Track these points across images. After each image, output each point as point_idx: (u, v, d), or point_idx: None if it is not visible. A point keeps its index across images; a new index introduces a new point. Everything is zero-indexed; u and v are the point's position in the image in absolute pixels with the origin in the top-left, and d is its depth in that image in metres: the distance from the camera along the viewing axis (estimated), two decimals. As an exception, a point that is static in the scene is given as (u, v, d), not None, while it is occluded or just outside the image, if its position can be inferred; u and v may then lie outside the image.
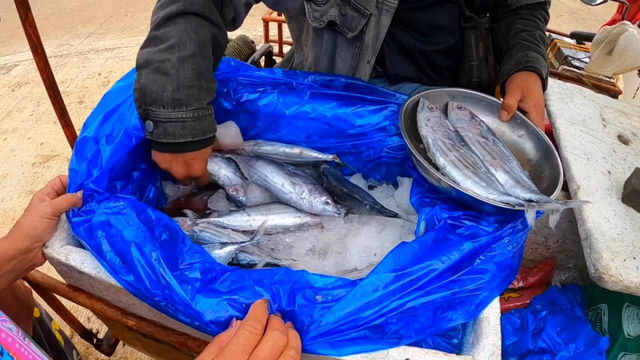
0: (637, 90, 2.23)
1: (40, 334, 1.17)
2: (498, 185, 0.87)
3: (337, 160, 1.13)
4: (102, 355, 1.91)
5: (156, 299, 0.71)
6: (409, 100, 1.01)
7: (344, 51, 1.21)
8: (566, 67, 2.38)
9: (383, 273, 0.71)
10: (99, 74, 4.16)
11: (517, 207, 0.80)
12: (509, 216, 0.84)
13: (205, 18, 0.96)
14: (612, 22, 2.54)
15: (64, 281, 0.94)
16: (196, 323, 0.70)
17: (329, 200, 1.00)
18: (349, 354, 0.67)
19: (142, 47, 0.96)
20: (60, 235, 0.86)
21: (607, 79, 2.26)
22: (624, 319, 1.17)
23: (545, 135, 1.03)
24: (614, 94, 2.14)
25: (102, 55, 4.51)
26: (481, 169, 0.90)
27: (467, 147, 0.96)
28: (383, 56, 1.29)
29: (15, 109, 3.72)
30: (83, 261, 0.82)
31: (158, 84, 0.87)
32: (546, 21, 1.37)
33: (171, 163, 0.94)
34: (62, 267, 0.85)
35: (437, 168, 0.90)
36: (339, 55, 1.22)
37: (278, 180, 1.04)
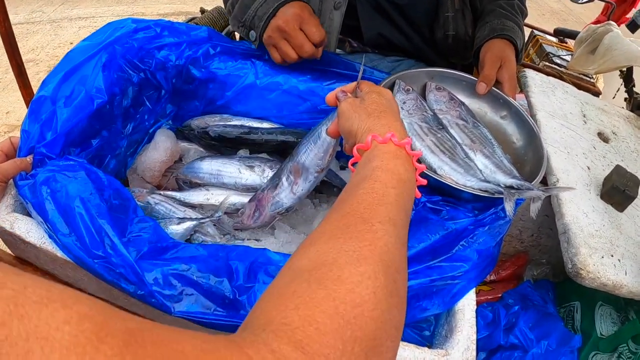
0: (617, 92, 2.23)
1: None
2: (477, 171, 0.83)
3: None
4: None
5: (96, 261, 0.65)
6: (385, 82, 0.97)
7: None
8: (547, 64, 2.38)
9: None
10: (71, 43, 4.02)
11: (496, 195, 0.77)
12: (489, 203, 0.80)
13: None
14: (597, 22, 2.54)
15: (11, 252, 0.87)
16: (139, 292, 0.64)
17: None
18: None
19: None
20: (7, 201, 0.79)
21: (588, 79, 2.26)
22: (597, 318, 1.15)
23: (530, 117, 1.00)
24: (594, 93, 2.14)
25: (76, 24, 4.38)
26: (460, 154, 0.86)
27: (446, 130, 0.92)
28: (361, 32, 1.25)
29: (-19, 77, 3.59)
30: (28, 230, 0.75)
31: (240, 3, 1.05)
32: None
33: (273, 23, 0.98)
34: (7, 237, 0.79)
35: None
36: (312, 2, 1.16)
37: (233, 169, 0.97)
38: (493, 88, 1.04)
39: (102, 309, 0.31)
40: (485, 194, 0.77)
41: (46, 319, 0.28)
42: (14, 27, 4.21)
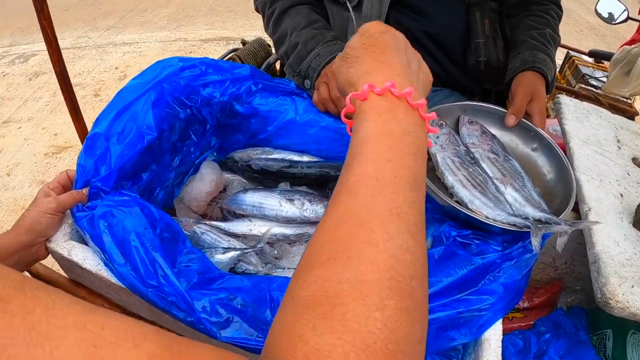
0: (654, 113, 2.20)
1: None
2: (506, 205, 0.86)
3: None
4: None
5: (150, 290, 0.71)
6: None
7: (350, 27, 1.25)
8: (583, 86, 2.36)
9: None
10: (116, 68, 4.19)
11: (524, 229, 0.79)
12: (518, 235, 0.83)
13: (300, 3, 1.26)
14: (632, 41, 2.51)
15: (67, 275, 0.94)
16: (189, 319, 0.69)
17: None
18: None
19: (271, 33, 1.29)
20: (64, 230, 0.86)
21: (624, 100, 2.24)
22: (629, 346, 1.13)
23: (560, 149, 1.02)
24: (631, 115, 2.11)
25: (120, 49, 4.55)
26: (490, 187, 0.89)
27: (477, 164, 0.95)
28: None
29: (31, 98, 3.77)
30: (85, 257, 0.82)
31: (295, 54, 1.17)
32: (559, 17, 1.35)
33: (329, 71, 1.08)
34: (65, 262, 0.85)
35: (445, 187, 0.90)
36: (349, 33, 1.24)
37: (274, 202, 1.02)
38: (524, 120, 1.07)
39: (169, 346, 0.33)
40: (514, 228, 0.80)
41: None
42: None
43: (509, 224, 0.80)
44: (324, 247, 0.44)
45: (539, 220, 0.82)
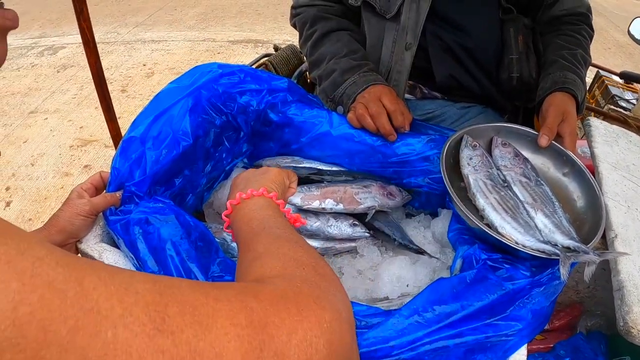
0: (683, 138, 2.17)
1: None
2: (536, 231, 0.86)
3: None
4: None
5: None
6: (453, 137, 1.01)
7: (387, 37, 1.27)
8: (612, 107, 2.34)
9: (422, 306, 0.71)
10: (144, 65, 4.26)
11: (552, 257, 0.80)
12: (546, 261, 0.83)
13: (341, 29, 1.31)
14: (664, 65, 2.48)
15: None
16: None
17: (356, 222, 1.01)
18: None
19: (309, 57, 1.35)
20: (95, 232, 0.88)
21: (655, 124, 2.21)
22: (646, 373, 1.12)
23: (591, 176, 1.02)
24: (660, 139, 2.09)
25: (148, 47, 4.62)
26: (522, 212, 0.89)
27: (509, 187, 0.95)
28: (432, 74, 1.31)
29: (58, 90, 3.85)
30: (116, 261, 0.83)
31: (330, 81, 1.21)
32: (590, 37, 1.35)
33: (361, 100, 1.12)
34: (94, 265, 0.87)
35: (476, 209, 0.90)
36: (385, 44, 1.28)
37: (301, 214, 1.04)
38: (556, 144, 1.06)
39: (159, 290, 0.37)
40: (543, 255, 0.80)
41: None
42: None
43: (538, 251, 0.81)
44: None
45: (568, 248, 0.82)
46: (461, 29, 1.27)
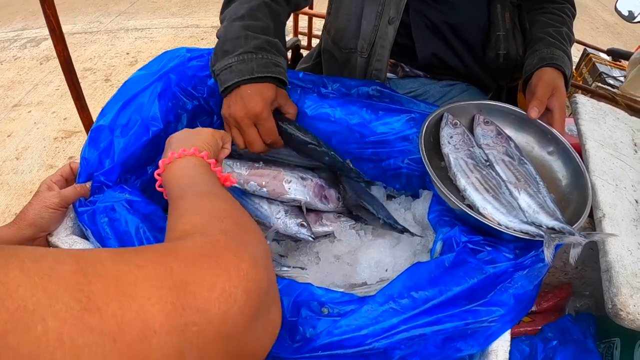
0: (672, 115, 2.15)
1: None
2: (519, 211, 0.83)
3: (351, 165, 1.09)
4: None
5: None
6: (433, 114, 0.98)
7: (368, 11, 1.22)
8: (600, 85, 2.32)
9: (397, 292, 0.69)
10: (127, 54, 4.20)
11: (537, 238, 0.77)
12: (530, 243, 0.80)
13: None
14: (653, 41, 2.46)
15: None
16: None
17: (304, 223, 0.97)
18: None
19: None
20: (66, 224, 0.86)
21: (642, 101, 2.19)
22: (636, 356, 1.11)
23: (577, 155, 0.99)
24: (649, 117, 2.07)
25: (132, 35, 4.55)
26: (504, 192, 0.86)
27: (491, 167, 0.92)
28: (414, 53, 1.27)
29: (41, 83, 3.78)
30: (86, 253, 0.81)
31: (215, 48, 1.01)
32: (573, 16, 1.34)
33: (230, 107, 0.96)
34: (66, 258, 0.84)
35: (457, 189, 0.87)
36: (365, 17, 1.23)
37: (257, 198, 1.02)
38: (542, 122, 1.04)
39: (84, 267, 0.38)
40: (526, 236, 0.77)
41: None
42: (72, 37, 4.41)
43: (522, 232, 0.78)
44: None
45: (553, 229, 0.80)
46: (446, 5, 1.24)
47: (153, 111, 0.94)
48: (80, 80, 3.81)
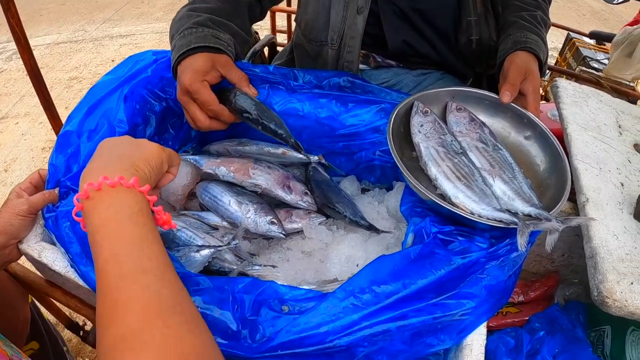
0: (657, 95, 2.15)
1: (36, 317, 1.19)
2: (493, 199, 0.81)
3: (323, 161, 1.08)
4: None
5: None
6: (403, 103, 0.96)
7: (336, 2, 1.20)
8: (584, 68, 2.32)
9: (358, 287, 0.67)
10: (112, 61, 4.22)
11: (511, 226, 0.75)
12: (507, 231, 0.78)
13: None
14: (634, 22, 2.45)
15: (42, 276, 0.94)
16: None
17: (275, 220, 0.97)
18: (313, 382, 0.63)
19: None
20: (36, 231, 0.86)
21: (627, 83, 2.18)
22: (628, 344, 1.10)
23: (555, 138, 0.97)
24: (634, 98, 2.06)
25: (117, 42, 4.59)
26: (477, 180, 0.84)
27: (464, 154, 0.90)
28: (385, 42, 1.26)
29: (28, 94, 3.80)
30: (55, 259, 0.81)
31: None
32: (549, 1, 1.31)
33: (182, 102, 0.96)
34: (37, 264, 0.86)
35: (429, 179, 0.85)
36: (333, 8, 1.21)
37: (226, 199, 1.01)
38: (517, 106, 1.02)
39: None
40: (500, 224, 0.75)
41: None
42: (57, 46, 4.42)
43: (495, 220, 0.75)
44: (101, 320, 0.54)
45: (529, 216, 0.78)
46: None
47: (119, 114, 0.93)
48: (66, 90, 3.82)
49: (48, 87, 3.89)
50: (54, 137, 3.19)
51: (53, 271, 0.81)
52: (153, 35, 4.70)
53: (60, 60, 4.17)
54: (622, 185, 1.13)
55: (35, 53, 4.68)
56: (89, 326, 1.35)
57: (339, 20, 1.21)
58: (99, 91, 0.96)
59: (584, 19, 5.38)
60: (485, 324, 0.70)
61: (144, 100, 0.99)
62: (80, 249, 0.75)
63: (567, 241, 1.26)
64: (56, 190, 0.86)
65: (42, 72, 4.14)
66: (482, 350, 0.68)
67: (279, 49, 1.84)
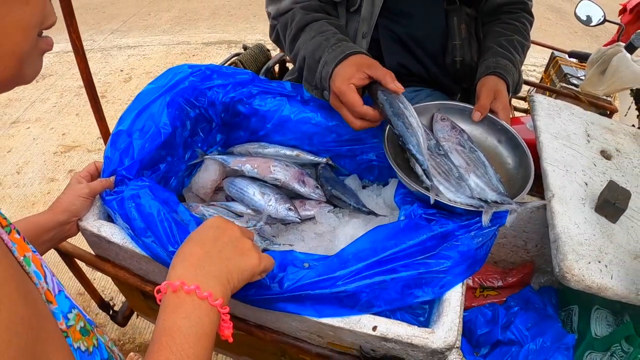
0: (628, 109, 2.32)
1: None
2: (466, 189, 1.00)
3: (330, 162, 1.29)
4: (112, 333, 2.06)
5: (170, 255, 0.87)
6: None
7: (350, 28, 1.37)
8: (565, 85, 2.48)
9: (361, 245, 0.85)
10: (121, 71, 4.31)
11: (479, 209, 0.94)
12: (478, 214, 0.96)
13: (316, 20, 1.25)
14: (611, 42, 2.63)
15: (93, 252, 1.09)
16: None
17: (292, 207, 1.17)
18: (327, 315, 0.81)
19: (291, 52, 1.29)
20: (94, 211, 1.01)
21: (604, 97, 2.34)
22: (593, 320, 1.25)
23: (522, 140, 1.14)
24: (611, 112, 2.20)
25: (125, 52, 4.67)
26: (454, 175, 1.02)
27: (445, 155, 1.08)
28: (383, 63, 1.42)
29: (38, 100, 3.88)
30: (113, 233, 0.97)
31: (307, 68, 1.17)
32: (530, 23, 1.48)
33: (335, 106, 1.08)
34: (94, 238, 1.00)
35: (417, 175, 1.02)
36: (349, 34, 1.36)
37: (251, 191, 1.21)
38: (492, 116, 1.20)
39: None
40: (470, 208, 0.94)
41: None
42: (66, 55, 4.41)
43: (467, 205, 0.95)
44: None
45: (495, 202, 0.96)
46: (410, 20, 1.40)
47: (163, 118, 1.10)
48: (76, 97, 3.90)
49: (58, 94, 4.01)
50: (66, 142, 3.30)
51: (111, 243, 0.96)
52: (160, 47, 4.78)
53: (70, 68, 4.24)
54: (586, 184, 1.29)
55: (45, 61, 4.81)
56: (117, 307, 1.47)
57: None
58: (145, 98, 1.13)
59: (576, 36, 5.51)
60: (462, 284, 0.88)
61: (181, 108, 1.17)
62: (143, 224, 0.90)
63: (539, 233, 1.43)
64: (112, 178, 1.02)
65: (52, 79, 4.28)
66: (458, 303, 0.85)
67: (289, 65, 2.02)
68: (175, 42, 4.97)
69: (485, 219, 0.91)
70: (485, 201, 0.97)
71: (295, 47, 1.24)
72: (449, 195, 0.97)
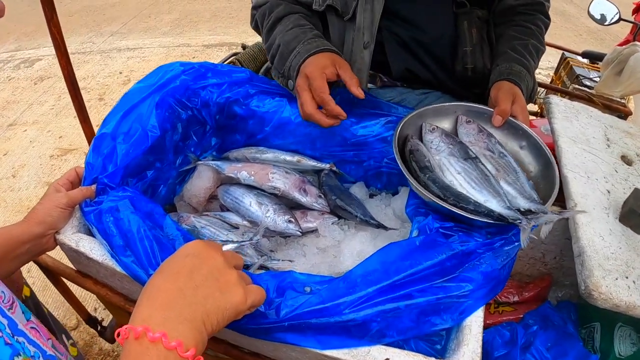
0: (646, 112, 2.24)
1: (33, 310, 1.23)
2: (504, 198, 0.91)
3: (335, 169, 1.18)
4: (105, 345, 1.97)
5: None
6: (409, 116, 1.06)
7: (347, 36, 1.29)
8: (577, 86, 2.40)
9: (371, 267, 0.75)
10: (120, 73, 4.28)
11: (516, 222, 0.84)
12: (501, 228, 0.87)
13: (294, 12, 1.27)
14: (625, 42, 2.55)
15: (73, 267, 0.99)
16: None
17: (292, 219, 1.07)
18: (331, 347, 0.71)
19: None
20: (73, 223, 0.92)
21: (618, 100, 2.26)
22: (616, 339, 1.18)
23: (546, 147, 1.06)
24: (625, 114, 2.14)
25: (124, 55, 4.64)
26: (489, 181, 0.94)
27: (476, 158, 1.00)
28: (389, 66, 1.34)
29: (36, 102, 3.84)
30: (92, 248, 0.88)
31: (278, 56, 1.18)
32: (546, 26, 1.39)
33: (299, 88, 1.06)
34: (72, 253, 0.91)
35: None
36: (346, 42, 1.30)
37: (247, 201, 1.11)
38: (513, 120, 1.11)
39: None
40: (498, 222, 0.85)
41: None
42: None
43: (501, 216, 0.85)
44: None
45: (529, 211, 0.87)
46: (415, 24, 1.31)
47: (152, 120, 1.01)
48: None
49: (56, 96, 3.96)
50: (62, 145, 3.23)
51: (90, 259, 0.87)
52: (160, 49, 4.75)
53: (68, 71, 4.21)
54: (609, 192, 1.21)
55: (43, 63, 4.74)
56: (106, 322, 1.40)
57: (348, 53, 1.29)
58: (132, 97, 1.04)
59: (580, 38, 5.47)
60: (483, 308, 0.78)
61: (172, 108, 1.08)
62: (122, 241, 0.81)
63: (558, 244, 1.34)
64: (93, 187, 0.93)
65: (51, 81, 4.22)
66: (480, 330, 0.76)
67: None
68: (175, 44, 4.94)
69: (524, 237, 0.81)
70: (518, 210, 0.88)
71: (272, 36, 1.25)
72: (490, 205, 0.88)
